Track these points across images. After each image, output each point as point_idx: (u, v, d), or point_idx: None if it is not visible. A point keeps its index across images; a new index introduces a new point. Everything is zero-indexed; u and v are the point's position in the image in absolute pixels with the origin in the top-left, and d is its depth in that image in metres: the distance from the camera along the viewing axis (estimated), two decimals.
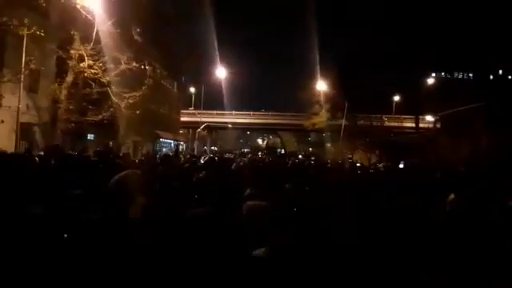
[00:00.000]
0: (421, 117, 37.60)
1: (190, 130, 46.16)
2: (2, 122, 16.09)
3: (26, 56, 14.54)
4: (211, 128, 48.31)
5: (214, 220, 2.28)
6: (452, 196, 4.00)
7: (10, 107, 15.71)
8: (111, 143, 11.20)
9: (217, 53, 35.15)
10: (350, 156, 31.90)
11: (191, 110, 46.14)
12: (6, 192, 2.64)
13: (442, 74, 48.32)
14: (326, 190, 4.59)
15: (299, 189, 4.67)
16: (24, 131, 16.64)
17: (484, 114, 20.15)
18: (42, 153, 10.23)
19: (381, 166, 13.96)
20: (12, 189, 2.81)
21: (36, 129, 18.11)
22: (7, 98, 15.61)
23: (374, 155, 30.79)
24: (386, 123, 35.45)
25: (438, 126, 29.96)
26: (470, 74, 48.49)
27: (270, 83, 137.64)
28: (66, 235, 2.31)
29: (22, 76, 14.82)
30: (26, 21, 14.05)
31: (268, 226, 2.64)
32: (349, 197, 4.05)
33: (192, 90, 48.56)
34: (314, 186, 5.14)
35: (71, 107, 17.16)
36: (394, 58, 33.39)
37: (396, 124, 38.93)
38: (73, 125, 17.49)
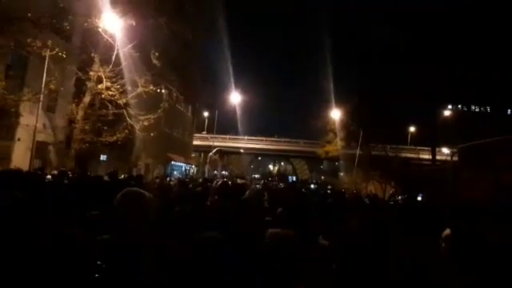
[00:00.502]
0: (437, 149, 36.98)
1: (202, 154, 46.19)
2: (19, 139, 16.24)
3: (46, 76, 14.79)
4: (223, 152, 48.30)
5: (221, 245, 2.21)
6: (447, 231, 3.77)
7: (27, 125, 15.90)
8: (115, 168, 11.13)
9: (231, 78, 35.62)
10: (365, 186, 31.28)
11: (204, 134, 46.34)
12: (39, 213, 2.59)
13: (459, 106, 47.95)
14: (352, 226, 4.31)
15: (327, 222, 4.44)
16: (39, 150, 16.74)
17: (508, 148, 19.58)
18: (55, 172, 10.15)
19: (399, 198, 13.50)
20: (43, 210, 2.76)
21: (51, 148, 18.21)
22: (25, 116, 15.84)
23: (389, 186, 30.12)
24: (402, 154, 34.84)
25: (456, 158, 29.32)
26: (488, 108, 47.99)
27: (283, 110, 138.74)
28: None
29: (42, 96, 15.03)
30: (49, 42, 14.37)
31: (293, 256, 2.56)
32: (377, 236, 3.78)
33: (206, 114, 48.96)
34: (336, 219, 4.89)
35: (86, 127, 17.28)
36: (410, 88, 33.22)
37: (412, 155, 38.25)
38: (87, 145, 17.53)
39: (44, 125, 17.32)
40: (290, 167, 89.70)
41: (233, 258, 2.18)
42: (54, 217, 2.51)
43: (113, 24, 15.56)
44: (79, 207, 3.95)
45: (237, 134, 45.89)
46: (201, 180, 11.89)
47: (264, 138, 49.03)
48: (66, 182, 8.07)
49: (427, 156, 38.04)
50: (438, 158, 36.17)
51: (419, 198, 13.23)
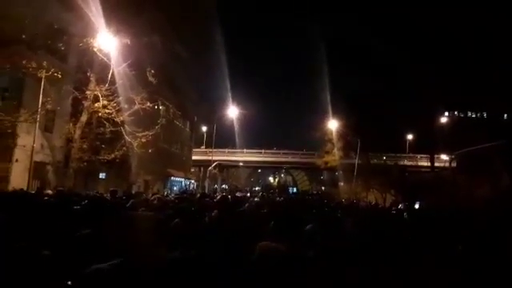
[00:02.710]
0: (436, 155, 37.03)
1: (202, 169, 46.11)
2: (17, 161, 16.24)
3: (42, 97, 14.87)
4: (222, 166, 48.22)
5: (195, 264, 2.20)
6: None
7: (24, 146, 15.93)
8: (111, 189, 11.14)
9: (229, 92, 35.80)
10: (365, 195, 31.22)
11: (203, 149, 46.34)
12: (17, 230, 2.68)
13: (456, 112, 48.14)
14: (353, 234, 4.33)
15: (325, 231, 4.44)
16: (37, 170, 16.74)
17: (504, 153, 19.63)
18: (49, 191, 10.14)
19: (401, 206, 13.44)
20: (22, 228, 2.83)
21: (49, 168, 18.20)
22: (22, 137, 15.87)
23: (389, 195, 30.06)
24: (401, 162, 34.87)
25: (454, 164, 29.33)
26: (484, 114, 48.18)
27: (281, 122, 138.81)
28: (69, 283, 2.32)
29: (38, 116, 15.10)
30: (44, 63, 14.51)
31: (281, 268, 2.56)
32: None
33: (204, 128, 49.03)
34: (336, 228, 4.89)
35: (84, 146, 17.31)
36: (407, 96, 33.44)
37: (411, 163, 38.35)
38: (85, 164, 17.54)
39: (42, 145, 17.34)
40: (290, 178, 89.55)
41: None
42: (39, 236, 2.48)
43: (108, 43, 15.75)
44: (70, 226, 3.90)
45: (235, 147, 45.89)
46: (199, 195, 11.87)
47: (263, 151, 48.98)
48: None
49: (426, 163, 38.11)
50: (436, 164, 36.20)
51: (417, 206, 13.14)
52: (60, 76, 15.04)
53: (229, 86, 35.58)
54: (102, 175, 23.16)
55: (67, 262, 2.34)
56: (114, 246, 2.31)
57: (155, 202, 8.61)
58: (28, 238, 2.34)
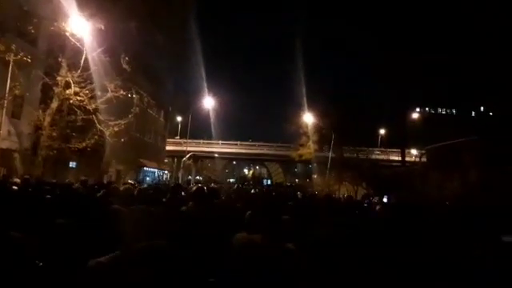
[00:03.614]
0: (406, 150, 38.06)
1: (176, 159, 45.67)
2: None
3: (10, 82, 14.29)
4: (197, 157, 47.89)
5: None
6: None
7: None
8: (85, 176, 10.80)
9: (205, 83, 35.41)
10: (338, 188, 31.82)
11: (177, 139, 45.83)
12: None
13: (427, 109, 49.60)
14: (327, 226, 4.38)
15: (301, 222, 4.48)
16: (3, 157, 16.16)
17: (475, 148, 20.42)
18: (17, 180, 9.79)
19: (375, 199, 13.72)
20: None
21: (16, 155, 17.54)
22: None
23: (361, 188, 30.76)
24: (373, 156, 35.65)
25: (424, 159, 30.28)
26: (454, 110, 49.84)
27: (257, 114, 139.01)
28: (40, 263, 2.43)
29: (6, 102, 14.51)
30: (13, 46, 13.92)
31: (258, 260, 2.56)
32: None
33: (179, 119, 48.44)
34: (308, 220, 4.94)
35: (54, 134, 16.73)
36: (380, 92, 34.16)
37: (382, 157, 39.24)
38: (54, 152, 16.99)
39: (9, 131, 16.68)
40: (264, 171, 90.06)
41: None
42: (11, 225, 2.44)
43: (81, 28, 15.22)
44: (43, 216, 3.84)
45: (211, 138, 45.62)
46: (172, 186, 11.71)
47: (238, 142, 48.94)
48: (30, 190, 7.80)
49: (397, 157, 39.13)
50: (407, 159, 37.26)
51: (384, 200, 13.46)
52: (29, 60, 14.53)
53: (205, 77, 35.19)
54: (72, 164, 22.55)
55: (43, 249, 2.40)
56: (101, 238, 2.36)
57: (132, 192, 8.46)
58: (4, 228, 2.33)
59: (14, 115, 17.30)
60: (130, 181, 14.61)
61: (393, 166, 36.10)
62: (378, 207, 8.26)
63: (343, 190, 30.87)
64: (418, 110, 44.21)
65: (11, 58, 13.91)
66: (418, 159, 34.28)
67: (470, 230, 4.28)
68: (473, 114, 47.86)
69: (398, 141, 37.54)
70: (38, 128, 17.12)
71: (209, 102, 36.00)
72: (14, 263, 2.09)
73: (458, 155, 21.63)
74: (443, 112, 51.16)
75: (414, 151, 37.52)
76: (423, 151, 30.89)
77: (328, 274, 2.92)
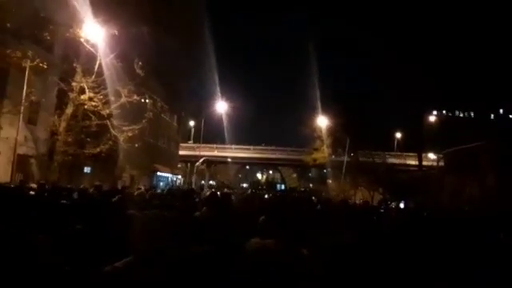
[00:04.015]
0: (423, 154, 37.35)
1: (189, 164, 45.78)
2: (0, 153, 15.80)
3: (27, 88, 14.48)
4: (210, 162, 47.93)
5: (215, 259, 2.31)
6: None
7: (7, 138, 15.53)
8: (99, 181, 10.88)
9: (217, 87, 35.48)
10: (353, 193, 31.36)
11: (190, 144, 45.96)
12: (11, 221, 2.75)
13: (444, 112, 48.65)
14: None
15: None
16: (20, 163, 16.33)
17: (493, 152, 19.86)
18: (33, 185, 9.87)
19: (393, 205, 13.39)
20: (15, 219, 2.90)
21: (33, 161, 17.76)
22: (5, 129, 15.46)
23: (377, 193, 30.24)
24: (389, 160, 35.04)
25: (442, 163, 29.67)
26: (472, 113, 48.79)
27: (270, 118, 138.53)
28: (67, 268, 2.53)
29: (22, 107, 14.69)
30: (29, 53, 14.09)
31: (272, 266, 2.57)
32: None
33: (192, 123, 48.62)
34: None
35: (69, 139, 16.89)
36: (395, 94, 33.65)
37: (399, 161, 38.55)
38: (70, 157, 17.14)
39: (25, 137, 16.91)
40: (278, 175, 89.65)
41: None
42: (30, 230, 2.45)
43: (95, 33, 15.37)
44: (60, 221, 3.88)
45: (224, 142, 45.60)
46: (186, 190, 11.66)
47: (251, 147, 48.80)
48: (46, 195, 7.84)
49: (414, 162, 38.42)
50: (424, 163, 36.55)
51: (402, 205, 13.12)
52: (45, 66, 14.67)
53: (218, 81, 35.26)
54: (87, 169, 22.75)
55: (66, 253, 2.48)
56: (117, 243, 2.39)
57: (145, 197, 8.42)
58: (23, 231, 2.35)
59: (31, 121, 17.54)
60: (139, 186, 14.60)
61: (410, 171, 35.43)
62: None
63: (359, 195, 30.39)
64: (434, 112, 43.44)
65: (27, 64, 14.07)
66: (435, 163, 33.60)
67: (480, 241, 4.19)
68: (491, 116, 46.78)
69: (415, 144, 36.85)
70: (53, 133, 17.32)
71: (222, 106, 36.07)
72: (42, 268, 2.11)
73: (476, 159, 21.10)
74: (461, 115, 50.12)
75: (431, 155, 36.79)
76: (440, 155, 30.27)
77: (340, 278, 2.87)
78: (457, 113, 50.18)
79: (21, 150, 16.15)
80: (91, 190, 9.39)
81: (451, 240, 4.53)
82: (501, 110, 47.60)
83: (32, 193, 8.12)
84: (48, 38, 16.01)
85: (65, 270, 2.52)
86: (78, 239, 3.18)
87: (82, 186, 11.70)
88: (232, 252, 2.76)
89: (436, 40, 36.68)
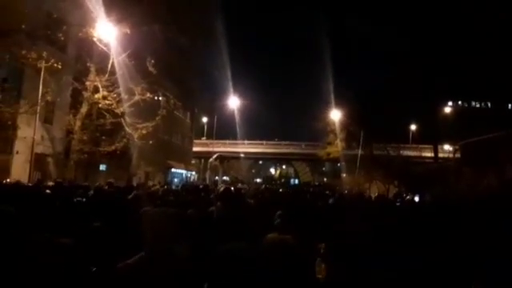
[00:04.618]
0: (439, 146, 36.74)
1: (202, 160, 46.04)
2: (17, 152, 16.15)
3: (42, 88, 14.71)
4: (223, 158, 48.13)
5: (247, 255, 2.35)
6: None
7: (25, 138, 15.82)
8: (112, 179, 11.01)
9: (230, 83, 35.48)
10: (368, 186, 31.10)
11: (203, 140, 46.21)
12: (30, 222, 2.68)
13: (459, 102, 47.69)
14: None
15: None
16: (38, 162, 16.63)
17: (510, 143, 19.38)
18: (50, 183, 10.04)
19: (409, 197, 13.20)
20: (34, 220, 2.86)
21: (49, 159, 18.09)
22: (23, 128, 15.74)
23: (393, 186, 29.93)
24: (404, 153, 34.58)
25: (458, 155, 29.18)
26: (488, 103, 47.67)
27: (283, 112, 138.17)
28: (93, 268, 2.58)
29: (38, 107, 14.95)
30: (44, 54, 14.30)
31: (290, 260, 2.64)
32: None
33: (205, 119, 48.82)
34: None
35: (85, 138, 17.18)
36: (409, 86, 33.05)
37: (414, 154, 38.00)
38: (85, 155, 17.42)
39: (42, 136, 17.21)
40: (291, 170, 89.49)
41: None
42: (48, 229, 2.45)
43: (107, 33, 15.52)
44: (77, 218, 3.88)
45: (236, 138, 45.71)
46: (201, 186, 11.75)
47: (264, 142, 48.79)
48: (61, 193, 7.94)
49: (429, 154, 37.81)
50: (440, 155, 35.97)
51: (416, 199, 12.90)
52: (60, 67, 14.86)
53: (230, 76, 35.24)
54: (102, 167, 23.07)
55: (88, 253, 2.48)
56: (134, 240, 2.38)
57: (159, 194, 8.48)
58: (42, 231, 2.35)
59: (47, 120, 17.85)
60: (154, 183, 14.80)
61: (425, 163, 34.90)
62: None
63: (374, 189, 30.12)
64: (450, 103, 42.64)
65: (43, 64, 14.28)
66: (451, 155, 33.04)
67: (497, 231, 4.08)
68: (509, 106, 45.65)
69: (430, 136, 36.22)
70: (69, 132, 17.62)
71: (234, 102, 36.10)
72: (67, 270, 2.10)
73: (493, 150, 20.63)
74: (477, 105, 49.04)
75: (447, 147, 36.17)
76: (457, 147, 29.76)
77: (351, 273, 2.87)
78: (473, 103, 49.08)
79: (38, 149, 16.43)
80: (106, 187, 9.51)
81: (466, 232, 4.45)
82: None
83: (48, 191, 8.25)
84: (62, 38, 16.25)
85: (89, 270, 2.54)
86: (97, 237, 3.22)
87: (97, 184, 11.91)
88: (250, 246, 2.83)
89: (451, 29, 35.88)
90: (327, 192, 17.06)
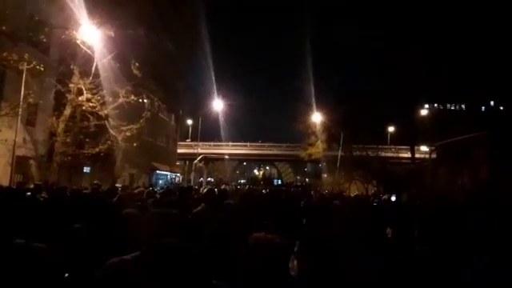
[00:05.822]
0: (416, 147, 37.80)
1: (187, 162, 45.98)
2: None
3: (24, 90, 14.60)
4: (208, 159, 48.21)
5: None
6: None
7: (6, 140, 15.66)
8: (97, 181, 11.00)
9: (214, 85, 35.74)
10: (348, 186, 31.77)
11: (188, 142, 46.18)
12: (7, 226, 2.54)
13: (435, 105, 48.98)
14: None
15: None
16: (20, 164, 16.48)
17: (484, 144, 20.21)
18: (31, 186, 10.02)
19: (386, 197, 13.67)
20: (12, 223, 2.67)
21: (32, 162, 17.95)
22: (4, 131, 15.57)
23: (371, 186, 30.69)
24: (382, 154, 35.50)
25: (434, 156, 30.10)
26: (463, 106, 49.14)
27: (266, 115, 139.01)
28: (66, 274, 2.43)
29: (20, 110, 14.85)
30: (26, 55, 14.24)
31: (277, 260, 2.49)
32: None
33: (189, 122, 48.83)
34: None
35: (68, 140, 17.10)
36: (387, 89, 33.94)
37: (392, 154, 39.04)
38: (69, 158, 17.36)
39: (24, 139, 17.08)
40: (274, 171, 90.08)
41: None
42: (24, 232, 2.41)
43: (91, 35, 15.55)
44: (58, 221, 3.83)
45: (221, 140, 45.90)
46: (185, 187, 11.92)
47: (248, 143, 49.14)
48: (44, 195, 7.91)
49: (407, 155, 38.84)
50: (416, 156, 36.97)
51: (393, 198, 13.39)
52: (42, 69, 14.77)
53: (214, 79, 35.53)
54: (86, 169, 22.96)
55: (64, 257, 2.37)
56: (118, 242, 2.36)
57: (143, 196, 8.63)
58: (19, 234, 2.30)
59: (29, 123, 17.69)
60: (138, 185, 14.85)
61: (403, 164, 35.88)
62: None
63: (354, 189, 30.81)
64: (426, 106, 43.77)
65: (24, 66, 14.16)
66: (427, 156, 34.02)
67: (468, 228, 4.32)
68: (482, 108, 47.17)
69: (408, 138, 37.28)
70: (52, 135, 17.51)
71: (218, 105, 36.31)
72: (39, 276, 2.02)
73: (467, 151, 21.44)
74: (452, 108, 50.46)
75: (423, 148, 37.24)
76: (433, 148, 30.66)
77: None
78: (448, 106, 50.48)
79: (20, 152, 16.28)
80: (89, 190, 9.51)
81: (442, 229, 4.68)
82: (491, 102, 48.04)
83: (28, 194, 8.19)
84: (44, 40, 16.16)
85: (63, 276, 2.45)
86: (77, 239, 3.09)
87: (81, 187, 11.95)
88: (231, 246, 2.87)
89: (426, 33, 36.96)
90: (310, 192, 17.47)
